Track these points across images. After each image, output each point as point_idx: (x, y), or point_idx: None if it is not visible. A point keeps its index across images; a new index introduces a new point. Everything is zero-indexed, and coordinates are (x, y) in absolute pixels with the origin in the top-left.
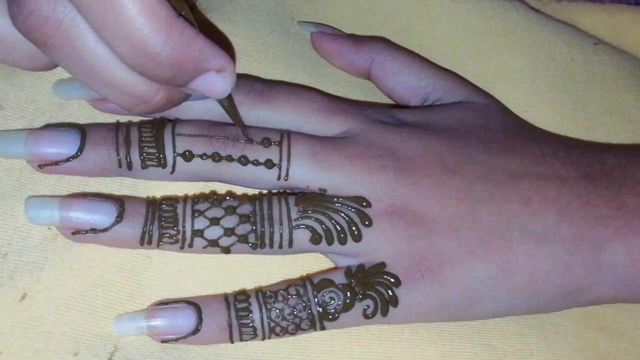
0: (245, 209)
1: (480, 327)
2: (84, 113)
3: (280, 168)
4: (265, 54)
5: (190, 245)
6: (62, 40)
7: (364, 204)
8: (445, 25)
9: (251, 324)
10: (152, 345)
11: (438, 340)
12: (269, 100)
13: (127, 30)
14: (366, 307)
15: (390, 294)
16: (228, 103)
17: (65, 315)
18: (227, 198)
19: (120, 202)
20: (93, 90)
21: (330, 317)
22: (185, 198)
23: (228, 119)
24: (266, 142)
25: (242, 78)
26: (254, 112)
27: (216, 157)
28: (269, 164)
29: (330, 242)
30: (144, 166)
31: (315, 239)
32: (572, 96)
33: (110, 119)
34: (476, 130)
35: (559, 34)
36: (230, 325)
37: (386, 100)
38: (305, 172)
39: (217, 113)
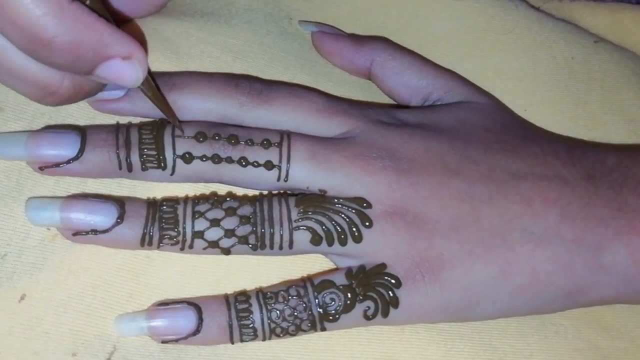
0: (246, 210)
1: (480, 326)
2: (83, 114)
3: (280, 169)
4: (263, 55)
5: (191, 247)
6: None
7: (364, 204)
8: (445, 23)
9: (251, 325)
10: (151, 346)
11: (439, 340)
12: (268, 100)
13: (13, 15)
14: (367, 308)
15: (391, 295)
16: (152, 94)
17: (64, 315)
18: (228, 199)
19: (120, 203)
20: None
21: (330, 318)
22: (186, 199)
23: (227, 120)
24: (266, 144)
25: (241, 78)
26: (253, 113)
27: (216, 159)
28: (268, 165)
29: (330, 243)
30: (144, 168)
31: (316, 240)
32: (572, 95)
33: (110, 119)
34: (477, 130)
35: (560, 33)
36: (230, 326)
37: (386, 99)
38: (305, 173)
39: (217, 114)
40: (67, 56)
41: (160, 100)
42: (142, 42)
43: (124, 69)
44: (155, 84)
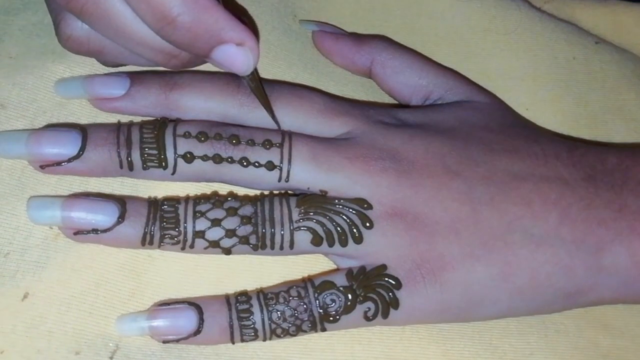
0: (247, 210)
1: (480, 326)
2: (85, 112)
3: (281, 170)
4: (267, 52)
5: (192, 246)
6: (93, 6)
7: (365, 206)
8: (447, 23)
9: (252, 326)
10: (154, 345)
11: (439, 339)
12: (271, 101)
13: None
14: (367, 309)
15: (391, 296)
16: (255, 86)
17: (67, 314)
18: (229, 199)
19: (121, 203)
20: (127, 50)
21: (331, 318)
22: (187, 199)
23: (228, 119)
24: (267, 144)
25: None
26: (255, 113)
27: (217, 159)
28: (269, 166)
29: (331, 244)
30: (145, 167)
31: (316, 241)
32: (573, 95)
33: (112, 118)
34: (478, 130)
35: (561, 33)
36: (231, 327)
37: (388, 98)
38: (306, 174)
39: (218, 114)
40: (186, 34)
41: (261, 94)
42: (254, 32)
43: (237, 54)
44: (259, 78)
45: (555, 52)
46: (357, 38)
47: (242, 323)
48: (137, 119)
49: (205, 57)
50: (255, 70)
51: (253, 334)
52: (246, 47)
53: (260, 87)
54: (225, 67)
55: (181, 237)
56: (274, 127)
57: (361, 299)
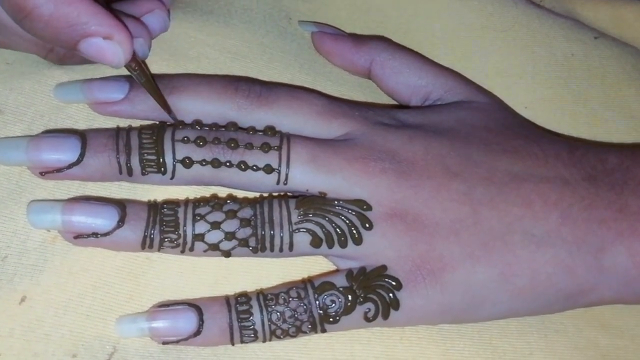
0: (246, 212)
1: (480, 325)
2: (82, 116)
3: (279, 173)
4: (262, 55)
5: (191, 249)
6: None
7: (364, 207)
8: (444, 22)
9: (252, 327)
10: (151, 346)
11: (438, 339)
12: (268, 103)
13: None
14: (367, 310)
15: (392, 297)
16: (145, 81)
17: (64, 317)
18: (228, 202)
19: (121, 206)
20: (7, 40)
21: (331, 319)
22: (186, 202)
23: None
24: (266, 147)
25: (240, 81)
26: (253, 115)
27: (215, 163)
28: (268, 169)
29: (330, 246)
30: (144, 172)
31: (316, 243)
32: (573, 92)
33: (109, 121)
34: (477, 130)
35: (559, 29)
36: (231, 328)
37: (386, 98)
38: (305, 176)
39: (217, 117)
40: (46, 28)
41: (153, 88)
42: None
43: (105, 48)
44: (149, 72)
45: (554, 48)
46: (357, 38)
47: (242, 324)
48: (136, 123)
49: (75, 50)
50: (143, 62)
51: (253, 335)
52: (114, 40)
53: (150, 81)
54: (96, 60)
55: (181, 240)
56: (274, 129)
57: (361, 299)
